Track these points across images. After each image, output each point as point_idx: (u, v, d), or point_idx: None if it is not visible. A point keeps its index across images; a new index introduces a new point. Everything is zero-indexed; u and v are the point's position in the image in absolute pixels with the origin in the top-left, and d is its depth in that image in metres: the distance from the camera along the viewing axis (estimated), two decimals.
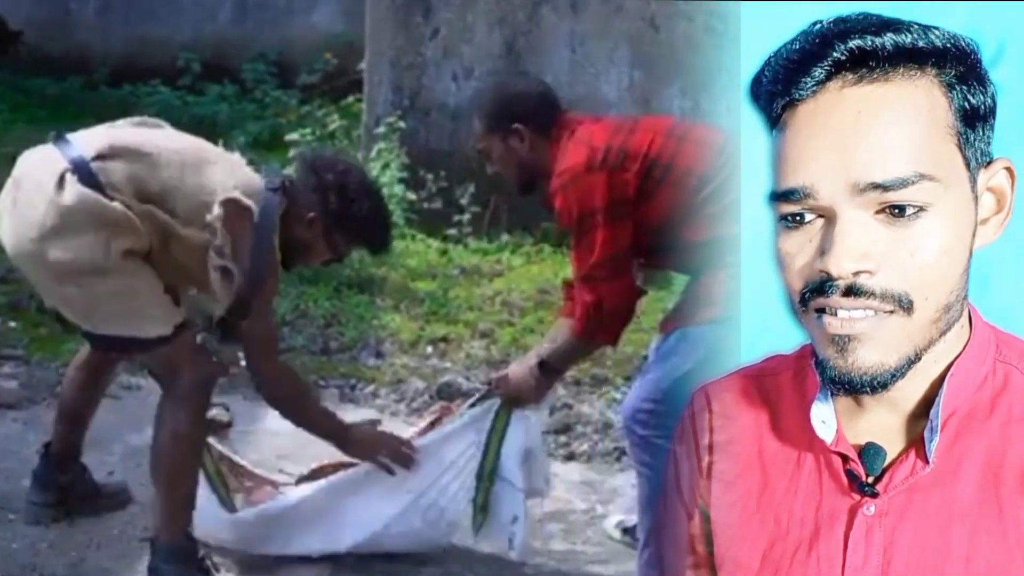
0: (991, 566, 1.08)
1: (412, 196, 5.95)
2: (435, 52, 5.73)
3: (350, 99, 6.86)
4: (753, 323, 1.33)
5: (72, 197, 2.80)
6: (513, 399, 3.20)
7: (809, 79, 1.05)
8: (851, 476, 1.14)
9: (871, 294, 1.04)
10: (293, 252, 3.12)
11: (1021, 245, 1.20)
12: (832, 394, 1.14)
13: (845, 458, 1.14)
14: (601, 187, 2.90)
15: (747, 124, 1.15)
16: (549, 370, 3.18)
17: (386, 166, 5.39)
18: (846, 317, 1.05)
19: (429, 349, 4.89)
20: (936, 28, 1.06)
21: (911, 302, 1.04)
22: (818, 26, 1.06)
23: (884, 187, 1.02)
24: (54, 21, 8.51)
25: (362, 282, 5.38)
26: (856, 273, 1.04)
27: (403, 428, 4.26)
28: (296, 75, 8.07)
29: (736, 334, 1.35)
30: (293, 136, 5.78)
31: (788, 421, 1.21)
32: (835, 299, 1.04)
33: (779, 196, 1.08)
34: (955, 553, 1.09)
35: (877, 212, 1.04)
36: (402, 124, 5.51)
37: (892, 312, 1.04)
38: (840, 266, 1.03)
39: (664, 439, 3.01)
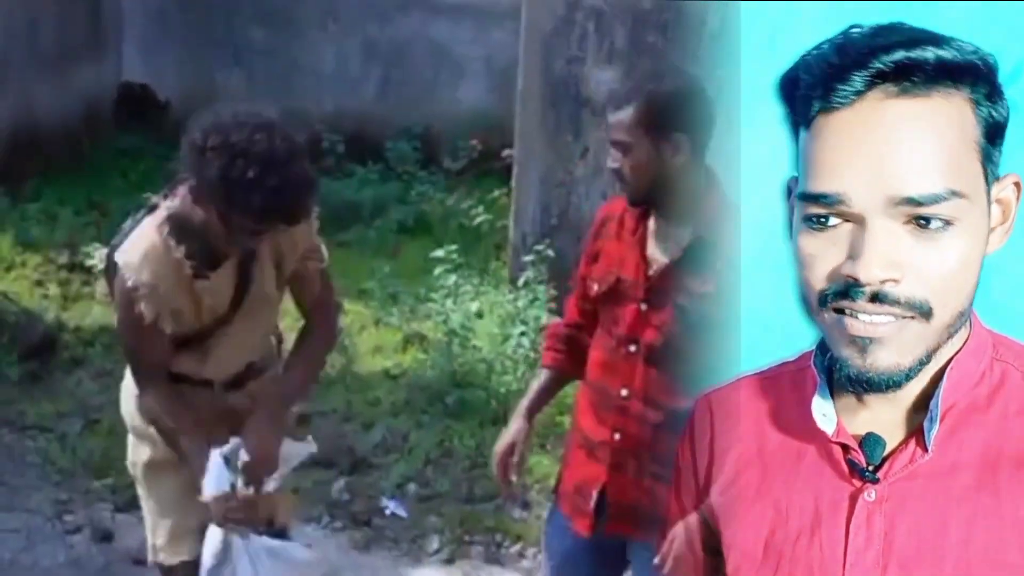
0: (988, 548, 1.12)
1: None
2: (584, 171, 5.58)
3: (496, 193, 6.76)
4: (753, 323, 1.34)
5: None
6: None
7: (849, 88, 1.08)
8: (852, 465, 1.18)
9: (896, 302, 1.08)
10: (201, 250, 2.56)
11: (1020, 247, 1.22)
12: (833, 390, 1.18)
13: (846, 448, 1.18)
14: None
15: (747, 127, 1.19)
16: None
17: (534, 300, 5.24)
18: (869, 321, 1.09)
19: None
20: (959, 41, 1.08)
21: (931, 309, 1.08)
22: (857, 32, 1.09)
23: (918, 202, 1.06)
24: (199, 93, 8.57)
25: (507, 415, 5.22)
26: (883, 281, 1.07)
27: None
28: (441, 152, 7.94)
29: (736, 335, 1.36)
30: (438, 253, 5.67)
31: (787, 418, 1.25)
32: (860, 304, 1.08)
33: (809, 197, 1.11)
34: (953, 537, 1.13)
35: (905, 223, 1.07)
36: (550, 252, 5.33)
37: (912, 318, 1.08)
38: (870, 273, 1.07)
39: None
